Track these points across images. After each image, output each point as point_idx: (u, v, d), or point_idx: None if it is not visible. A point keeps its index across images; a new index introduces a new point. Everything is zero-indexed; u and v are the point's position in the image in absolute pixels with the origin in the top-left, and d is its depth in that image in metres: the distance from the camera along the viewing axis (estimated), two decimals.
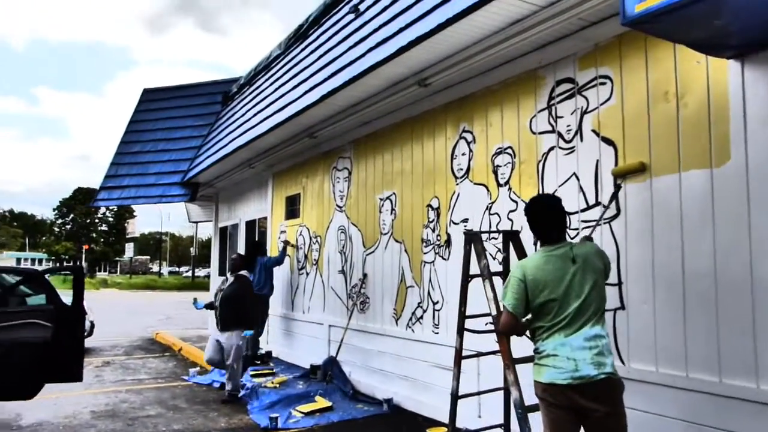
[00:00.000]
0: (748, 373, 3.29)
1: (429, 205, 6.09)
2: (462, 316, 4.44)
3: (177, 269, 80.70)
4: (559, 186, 4.60)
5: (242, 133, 9.12)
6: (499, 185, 5.21)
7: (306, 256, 8.68)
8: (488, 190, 5.33)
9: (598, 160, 4.31)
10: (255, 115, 8.93)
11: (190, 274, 57.39)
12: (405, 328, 6.34)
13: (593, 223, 4.14)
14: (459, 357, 4.45)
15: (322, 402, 6.51)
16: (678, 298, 3.70)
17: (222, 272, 12.77)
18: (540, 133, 4.81)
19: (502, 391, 4.62)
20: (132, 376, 8.59)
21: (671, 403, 3.69)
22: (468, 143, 5.60)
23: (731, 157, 3.47)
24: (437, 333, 5.85)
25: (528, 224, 3.21)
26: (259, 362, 8.65)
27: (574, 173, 4.48)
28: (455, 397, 4.47)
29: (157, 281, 51.46)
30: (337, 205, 7.90)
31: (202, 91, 13.42)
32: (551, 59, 4.72)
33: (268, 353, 9.03)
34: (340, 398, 6.74)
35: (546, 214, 3.06)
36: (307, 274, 8.60)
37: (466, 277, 4.45)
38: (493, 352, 4.66)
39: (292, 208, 9.30)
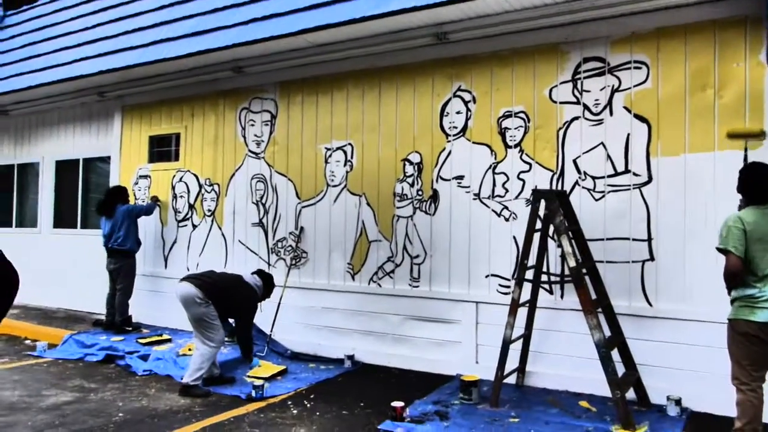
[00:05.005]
0: None
1: (406, 160, 6.05)
2: (523, 268, 4.73)
3: None
4: (584, 152, 5.17)
5: (103, 53, 7.40)
6: (507, 146, 5.53)
7: (192, 206, 7.59)
8: (492, 150, 5.60)
9: (629, 134, 5.00)
10: (125, 34, 7.34)
11: None
12: (368, 283, 6.22)
13: None
14: (516, 306, 4.75)
15: (270, 366, 5.98)
16: (706, 252, 4.64)
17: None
18: (562, 102, 5.29)
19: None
20: None
21: (697, 332, 4.64)
22: (465, 102, 5.75)
23: (764, 144, 4.49)
24: (416, 286, 5.94)
25: (741, 184, 3.63)
26: (130, 328, 7.32)
27: (602, 143, 5.10)
28: (507, 343, 4.77)
29: None
30: (252, 152, 7.11)
31: None
32: (579, 37, 5.20)
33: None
34: (282, 360, 6.28)
35: (765, 179, 3.55)
36: (195, 226, 7.54)
37: (531, 231, 4.73)
38: (523, 300, 5.07)
39: (164, 150, 7.95)
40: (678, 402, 4.53)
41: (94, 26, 7.83)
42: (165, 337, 6.90)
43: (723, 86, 4.65)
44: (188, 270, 7.48)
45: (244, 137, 7.19)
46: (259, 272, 5.86)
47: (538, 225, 4.87)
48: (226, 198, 7.30)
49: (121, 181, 8.23)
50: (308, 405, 4.94)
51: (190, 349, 6.29)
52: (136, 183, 8.14)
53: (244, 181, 7.16)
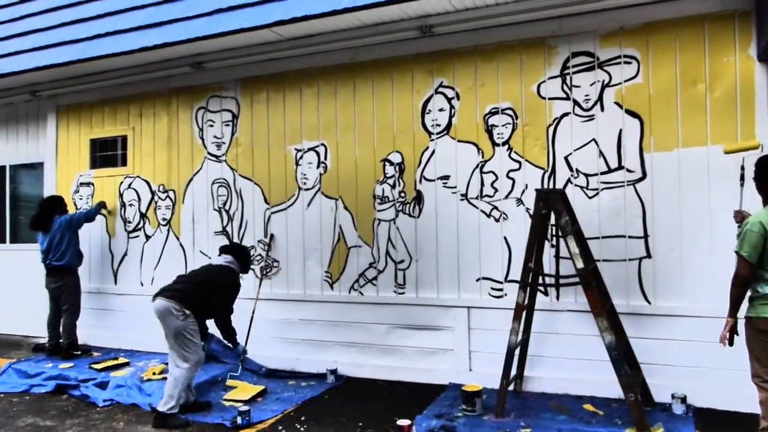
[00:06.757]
0: None
1: (387, 160, 5.74)
2: (528, 272, 4.54)
3: None
4: (575, 150, 5.05)
5: (38, 47, 6.64)
6: (495, 144, 5.34)
7: (144, 215, 6.94)
8: (479, 149, 5.40)
9: (621, 130, 4.92)
10: (64, 25, 6.62)
11: None
12: (348, 292, 5.87)
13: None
14: (521, 311, 4.56)
15: (248, 386, 5.54)
16: (704, 248, 4.63)
17: None
18: (551, 98, 5.15)
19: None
20: None
21: (696, 328, 4.62)
22: (449, 99, 5.51)
23: (756, 136, 4.51)
24: (402, 293, 5.65)
25: (759, 182, 3.56)
26: (78, 352, 6.61)
27: (594, 139, 5.00)
28: (512, 349, 4.58)
29: None
30: (212, 154, 6.57)
31: None
32: (567, 31, 5.08)
33: None
34: (257, 379, 5.84)
35: None
36: (148, 237, 6.91)
37: (535, 233, 4.56)
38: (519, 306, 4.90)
39: (108, 155, 7.23)
40: (683, 399, 4.49)
41: (24, 16, 7.01)
42: (122, 360, 6.26)
43: (714, 81, 4.65)
44: (142, 285, 6.86)
45: (203, 139, 6.64)
46: (227, 248, 5.33)
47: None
48: (183, 205, 6.73)
49: (58, 189, 7.44)
50: (302, 429, 4.55)
51: (154, 373, 5.74)
52: (77, 191, 7.38)
53: (203, 187, 6.62)
